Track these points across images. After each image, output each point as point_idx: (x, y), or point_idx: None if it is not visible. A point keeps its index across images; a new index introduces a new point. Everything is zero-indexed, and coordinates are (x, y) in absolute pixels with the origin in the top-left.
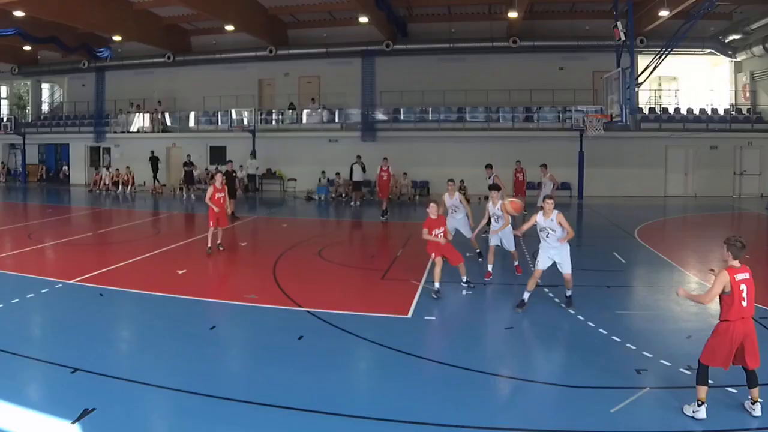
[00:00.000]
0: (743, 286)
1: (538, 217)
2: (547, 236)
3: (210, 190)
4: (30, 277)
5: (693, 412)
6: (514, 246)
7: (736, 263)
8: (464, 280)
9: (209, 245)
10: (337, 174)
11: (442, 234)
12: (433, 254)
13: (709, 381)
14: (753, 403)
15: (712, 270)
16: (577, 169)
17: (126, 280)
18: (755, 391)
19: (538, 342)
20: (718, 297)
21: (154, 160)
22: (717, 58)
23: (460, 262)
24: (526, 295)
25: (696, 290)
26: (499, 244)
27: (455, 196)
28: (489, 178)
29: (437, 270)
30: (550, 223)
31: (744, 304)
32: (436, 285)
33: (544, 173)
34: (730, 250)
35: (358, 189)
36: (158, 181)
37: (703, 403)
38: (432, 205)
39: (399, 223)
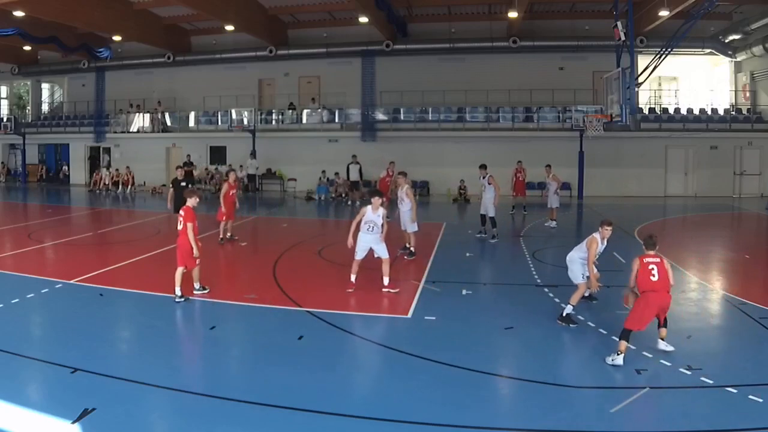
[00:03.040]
0: (652, 266)
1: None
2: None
3: (225, 187)
4: (30, 277)
5: (612, 360)
6: (387, 253)
7: (650, 251)
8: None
9: (221, 236)
10: (337, 174)
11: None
12: (185, 267)
13: (708, 381)
14: (662, 339)
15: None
16: (577, 169)
17: (126, 280)
18: (663, 330)
19: (538, 342)
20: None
21: (92, 159)
22: (717, 58)
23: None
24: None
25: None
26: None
27: (404, 188)
28: (482, 178)
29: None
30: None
31: (652, 278)
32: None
33: (548, 173)
34: (644, 243)
35: (357, 189)
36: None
37: (621, 353)
38: (194, 198)
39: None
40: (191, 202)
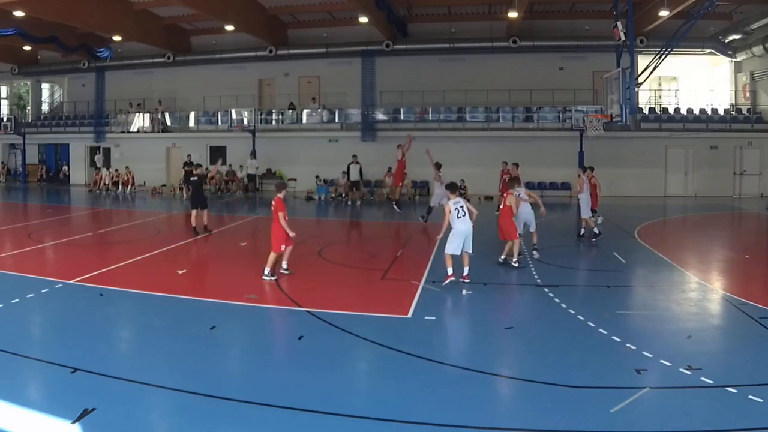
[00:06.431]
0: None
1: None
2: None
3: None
4: (30, 277)
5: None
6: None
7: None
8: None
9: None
10: (343, 173)
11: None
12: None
13: (708, 381)
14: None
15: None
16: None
17: (126, 280)
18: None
19: (538, 342)
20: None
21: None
22: (717, 58)
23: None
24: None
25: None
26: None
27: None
28: (523, 191)
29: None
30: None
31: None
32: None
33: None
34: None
35: (357, 188)
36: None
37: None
38: (284, 191)
39: (399, 223)
40: (282, 194)
